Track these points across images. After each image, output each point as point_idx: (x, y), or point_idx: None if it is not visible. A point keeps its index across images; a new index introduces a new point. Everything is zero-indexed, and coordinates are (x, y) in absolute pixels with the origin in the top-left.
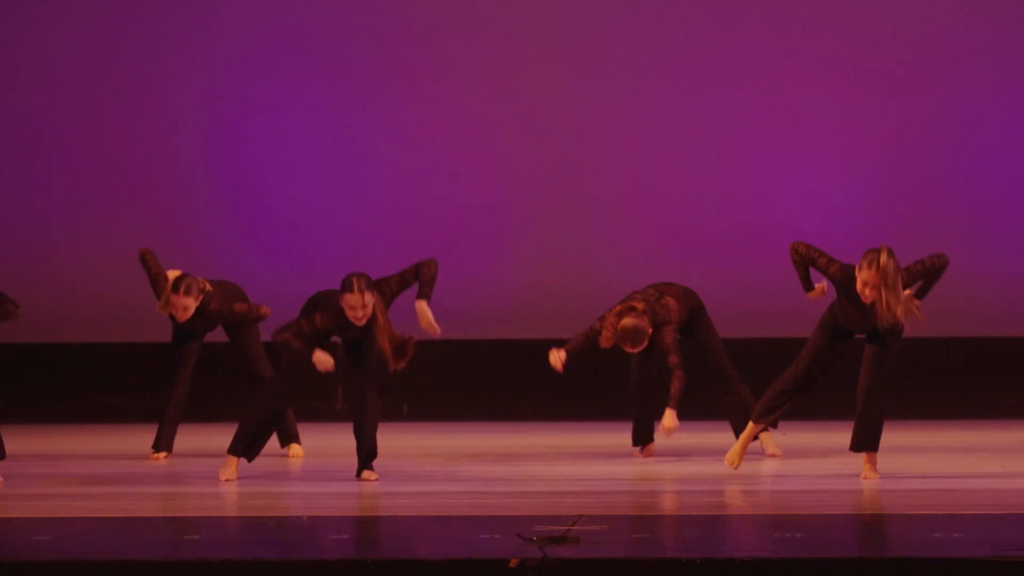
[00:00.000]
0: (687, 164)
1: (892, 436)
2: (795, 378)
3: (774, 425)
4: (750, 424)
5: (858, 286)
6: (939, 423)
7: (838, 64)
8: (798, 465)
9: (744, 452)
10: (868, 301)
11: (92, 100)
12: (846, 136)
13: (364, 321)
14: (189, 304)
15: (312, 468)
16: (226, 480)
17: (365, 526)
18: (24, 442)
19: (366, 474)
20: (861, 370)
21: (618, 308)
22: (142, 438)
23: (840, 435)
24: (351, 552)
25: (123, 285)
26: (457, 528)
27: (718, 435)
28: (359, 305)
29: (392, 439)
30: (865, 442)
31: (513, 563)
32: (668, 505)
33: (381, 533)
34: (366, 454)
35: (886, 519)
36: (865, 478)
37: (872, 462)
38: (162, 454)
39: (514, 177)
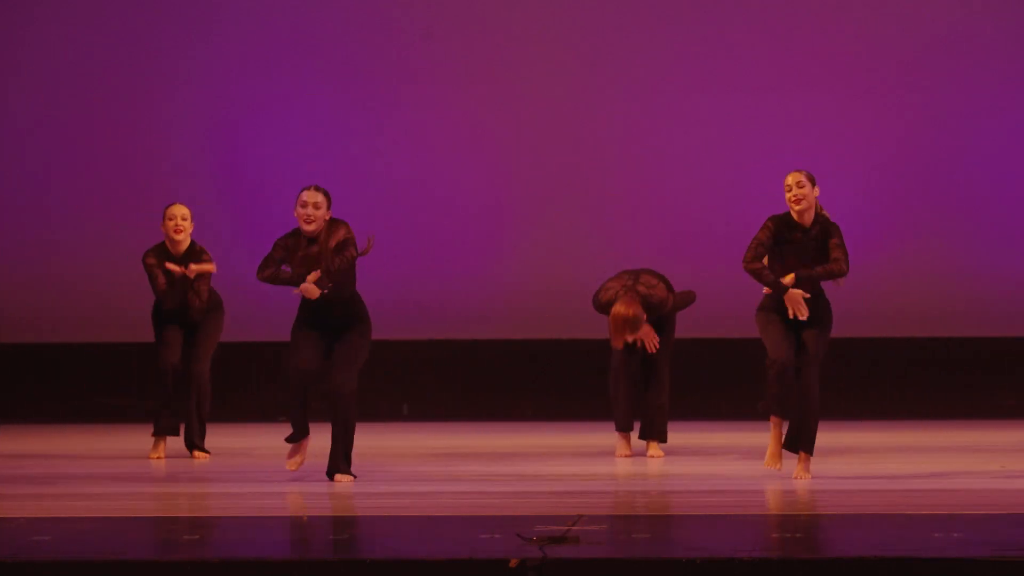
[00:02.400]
0: (688, 164)
1: (892, 436)
2: (781, 361)
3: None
4: (774, 420)
5: (788, 197)
6: (939, 423)
7: (838, 64)
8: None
9: (780, 451)
10: (798, 202)
11: (92, 100)
12: (846, 137)
13: (313, 225)
14: (186, 213)
15: (312, 468)
16: (291, 469)
17: (365, 526)
18: (24, 442)
19: (339, 477)
20: (801, 365)
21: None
22: (142, 438)
23: (837, 435)
24: (351, 552)
25: (123, 285)
26: (457, 528)
27: (717, 435)
28: (311, 202)
29: (392, 439)
30: (805, 442)
31: (513, 563)
32: (668, 505)
33: (381, 533)
34: (344, 454)
35: (886, 519)
36: (797, 478)
37: (807, 461)
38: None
39: (514, 177)
